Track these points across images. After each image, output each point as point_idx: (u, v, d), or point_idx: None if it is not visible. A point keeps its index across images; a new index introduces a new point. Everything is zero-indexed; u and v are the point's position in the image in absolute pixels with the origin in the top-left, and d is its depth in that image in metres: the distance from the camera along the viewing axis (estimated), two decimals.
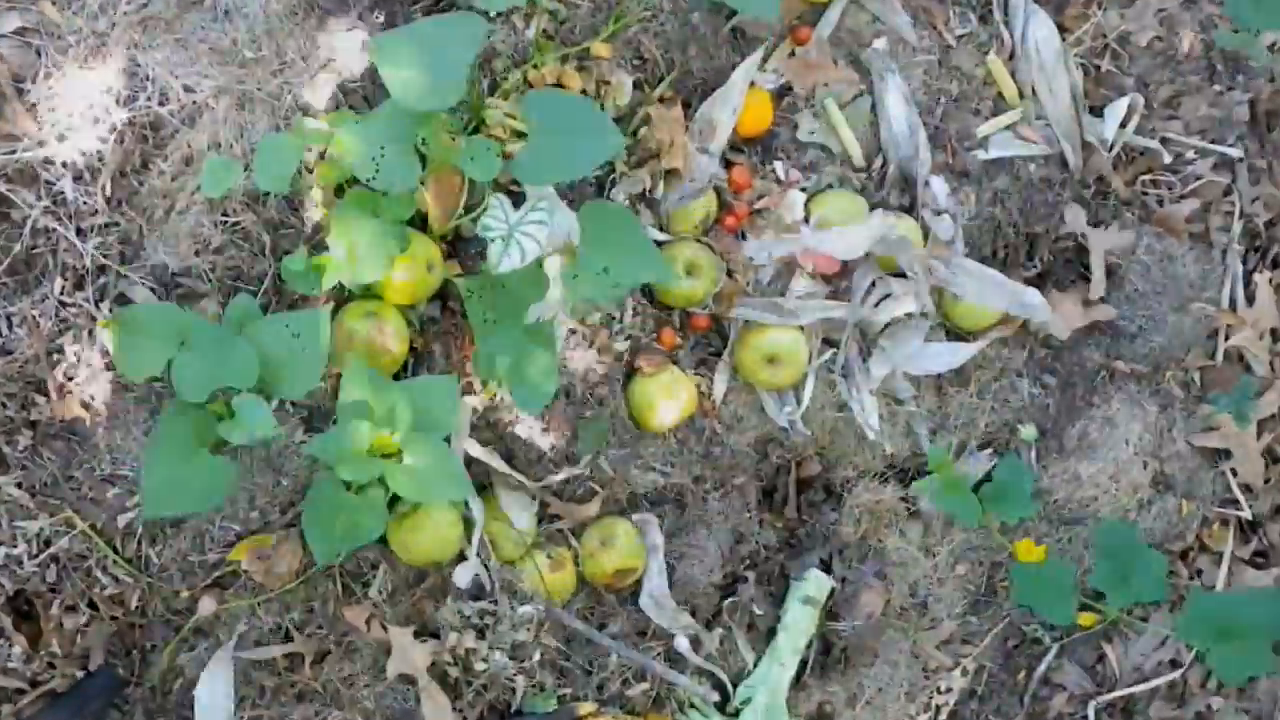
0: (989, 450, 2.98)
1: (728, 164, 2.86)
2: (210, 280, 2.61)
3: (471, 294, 2.57)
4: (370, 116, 2.53)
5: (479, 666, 2.70)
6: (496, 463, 2.67)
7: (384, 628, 2.65)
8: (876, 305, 2.79)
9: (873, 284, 2.81)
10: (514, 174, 2.56)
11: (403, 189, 2.50)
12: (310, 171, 2.59)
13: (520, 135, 2.61)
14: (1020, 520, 2.94)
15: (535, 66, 2.67)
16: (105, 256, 2.59)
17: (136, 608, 2.66)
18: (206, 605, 2.66)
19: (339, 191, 2.61)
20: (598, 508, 2.77)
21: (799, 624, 2.87)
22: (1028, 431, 2.98)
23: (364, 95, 2.65)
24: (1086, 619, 3.00)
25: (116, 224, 2.60)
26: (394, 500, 2.59)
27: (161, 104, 2.58)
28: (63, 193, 2.56)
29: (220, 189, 2.49)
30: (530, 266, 2.52)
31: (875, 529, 2.93)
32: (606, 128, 2.55)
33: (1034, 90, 3.02)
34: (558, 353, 2.65)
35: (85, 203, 2.57)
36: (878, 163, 2.92)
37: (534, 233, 2.52)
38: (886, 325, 2.87)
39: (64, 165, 2.56)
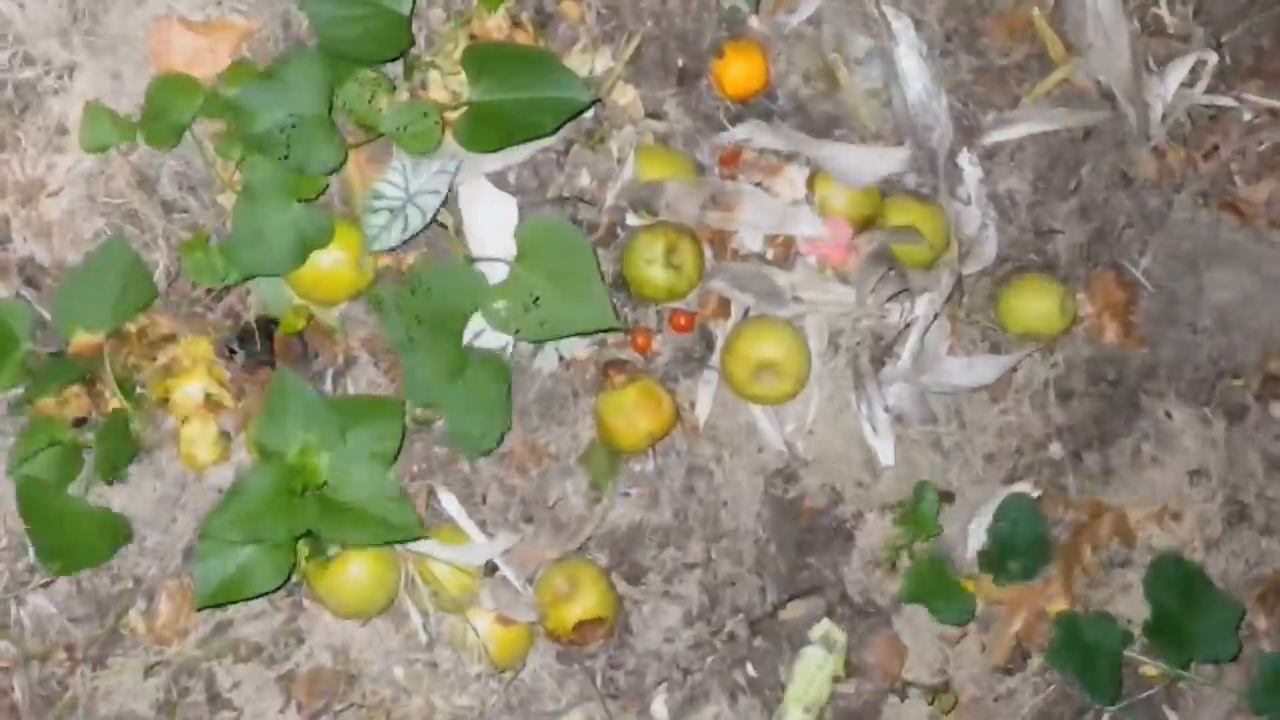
0: (1021, 482, 2.71)
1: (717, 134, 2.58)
2: None
3: (384, 302, 2.27)
4: (277, 70, 2.23)
5: None
6: (446, 497, 2.40)
7: None
8: (888, 303, 2.53)
9: (887, 275, 2.51)
10: (456, 139, 2.29)
11: (320, 171, 2.22)
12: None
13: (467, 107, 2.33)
14: (1031, 577, 2.67)
15: (480, 17, 2.38)
16: None
17: None
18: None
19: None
20: (561, 548, 2.48)
21: (808, 687, 2.59)
22: (1056, 450, 2.73)
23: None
24: (1148, 671, 2.72)
25: None
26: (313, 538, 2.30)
27: (26, 65, 2.30)
28: None
29: (100, 140, 2.24)
30: (463, 268, 2.25)
31: (889, 574, 2.66)
32: (570, 83, 2.28)
33: (1086, 44, 2.72)
34: (510, 374, 2.37)
35: None
36: (891, 136, 2.62)
37: (426, 204, 2.26)
38: (905, 329, 2.57)
39: None
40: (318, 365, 2.38)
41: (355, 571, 2.31)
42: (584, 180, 2.44)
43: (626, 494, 2.50)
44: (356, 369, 2.39)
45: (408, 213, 2.23)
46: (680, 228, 2.45)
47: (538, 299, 2.28)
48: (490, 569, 2.41)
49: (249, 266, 2.24)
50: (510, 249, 2.30)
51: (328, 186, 2.28)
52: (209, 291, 2.30)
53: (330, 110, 2.23)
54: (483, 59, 2.29)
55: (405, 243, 2.25)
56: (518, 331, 2.29)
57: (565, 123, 2.36)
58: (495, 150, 2.34)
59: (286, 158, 2.20)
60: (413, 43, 2.29)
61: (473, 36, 2.36)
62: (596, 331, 2.37)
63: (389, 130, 2.26)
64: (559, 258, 2.31)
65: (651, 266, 2.43)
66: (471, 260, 2.30)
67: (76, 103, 2.29)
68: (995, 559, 2.63)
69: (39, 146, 2.30)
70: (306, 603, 2.37)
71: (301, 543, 2.25)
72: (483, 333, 2.35)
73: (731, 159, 2.53)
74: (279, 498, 2.17)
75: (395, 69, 2.32)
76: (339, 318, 2.38)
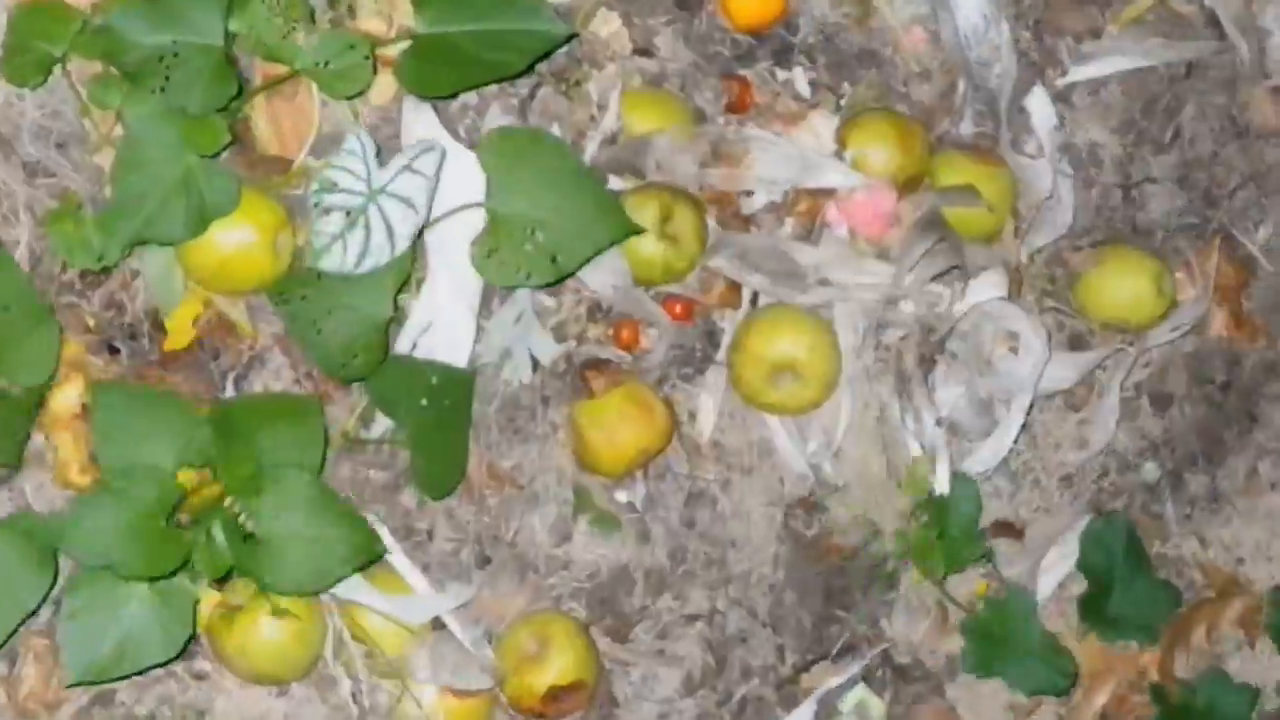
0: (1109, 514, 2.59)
1: (723, 74, 2.45)
2: None
3: (288, 303, 2.14)
4: None
5: None
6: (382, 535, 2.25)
7: None
8: (938, 284, 2.42)
9: (936, 249, 2.40)
10: (399, 79, 2.16)
11: (202, 109, 2.04)
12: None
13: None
14: (1149, 640, 2.54)
15: None
16: None
17: None
18: None
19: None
20: (527, 597, 2.33)
21: None
22: (1151, 471, 2.62)
23: None
24: None
25: None
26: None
27: None
28: None
29: None
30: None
31: (941, 628, 2.53)
32: (540, 11, 2.16)
33: None
34: (470, 393, 2.25)
35: None
36: (940, 75, 2.53)
37: (394, 213, 2.08)
38: (959, 318, 2.45)
39: None
40: (219, 367, 2.21)
41: (269, 626, 2.15)
42: (555, 132, 2.31)
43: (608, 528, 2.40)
44: (265, 373, 2.24)
45: (371, 223, 2.09)
46: (676, 190, 2.32)
47: (533, 230, 2.16)
48: (438, 624, 2.28)
49: (129, 233, 2.07)
50: (476, 192, 2.19)
51: (232, 140, 2.13)
52: (83, 275, 2.17)
53: (229, 38, 2.07)
54: None
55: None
56: (529, 277, 2.18)
57: (536, 62, 2.24)
58: (446, 96, 2.21)
59: (164, 90, 2.03)
60: None
61: None
62: (619, 239, 2.26)
63: (304, 67, 2.08)
64: (541, 173, 2.18)
65: (641, 239, 2.29)
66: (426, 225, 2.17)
67: None
68: (1096, 608, 2.52)
69: None
70: (208, 665, 2.21)
71: (201, 589, 2.09)
72: (429, 328, 2.19)
73: (740, 103, 2.41)
74: (145, 528, 1.99)
75: None
76: (246, 309, 2.23)
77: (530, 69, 2.24)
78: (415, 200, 2.07)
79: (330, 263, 2.06)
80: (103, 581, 2.03)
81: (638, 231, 2.25)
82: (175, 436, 2.04)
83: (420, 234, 2.11)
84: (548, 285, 2.27)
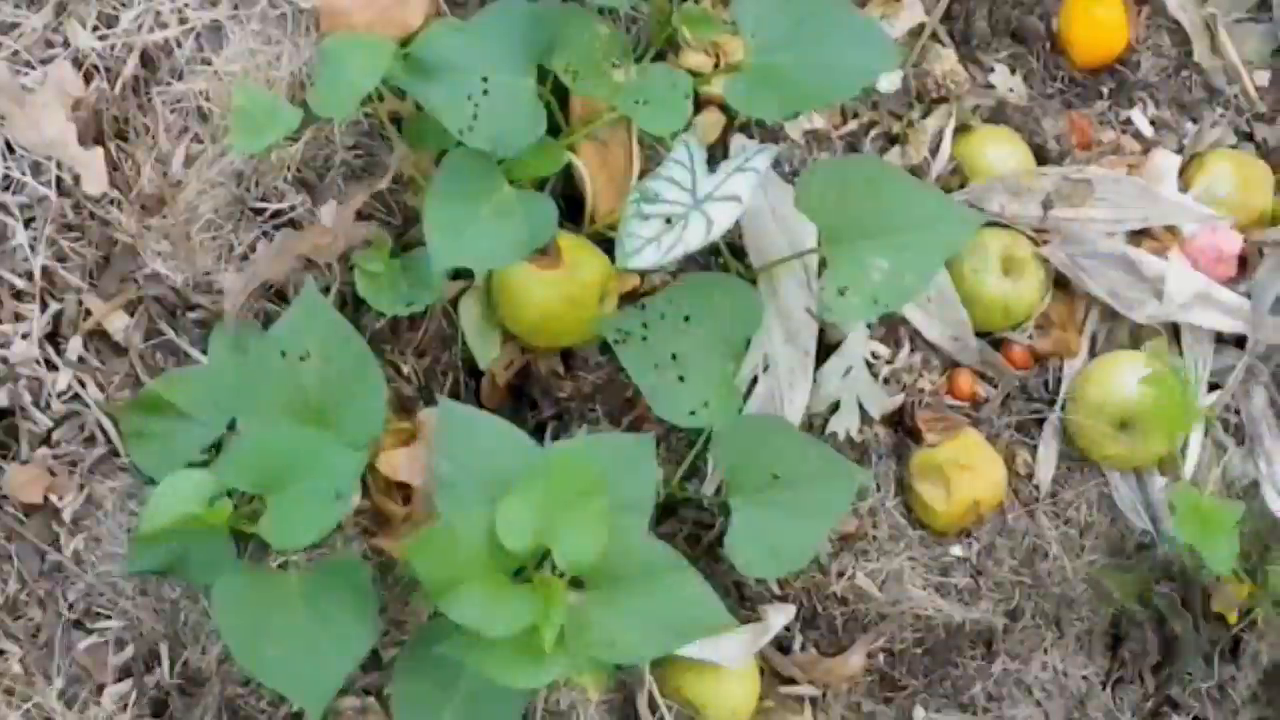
0: None
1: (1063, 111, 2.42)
2: None
3: (626, 343, 2.08)
4: (477, 23, 2.07)
5: None
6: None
7: None
8: None
9: None
10: (730, 101, 2.07)
11: (511, 147, 2.03)
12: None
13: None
14: None
15: None
16: (66, 270, 2.08)
17: None
18: None
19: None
20: (860, 662, 2.24)
21: None
22: None
23: None
24: None
25: (90, 223, 2.09)
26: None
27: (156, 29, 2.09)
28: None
29: (259, 141, 2.00)
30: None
31: None
32: (875, 40, 2.09)
33: None
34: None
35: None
36: None
37: (717, 211, 2.02)
38: None
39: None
40: (535, 417, 2.21)
41: None
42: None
43: (942, 585, 2.32)
44: (583, 426, 2.22)
45: (689, 222, 2.00)
46: (1016, 231, 2.30)
47: (876, 257, 2.09)
48: None
49: (441, 257, 2.06)
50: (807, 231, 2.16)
51: (553, 176, 2.12)
52: (396, 323, 2.17)
53: (542, 75, 2.07)
54: (759, 10, 2.11)
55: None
56: (885, 305, 2.09)
57: (864, 90, 2.23)
58: (771, 122, 2.20)
59: (472, 128, 2.02)
60: None
61: None
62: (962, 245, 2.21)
63: (623, 104, 2.06)
64: (874, 197, 2.11)
65: (982, 276, 2.26)
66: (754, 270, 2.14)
67: (222, 79, 2.12)
68: None
69: (172, 134, 2.09)
70: None
71: None
72: (765, 367, 2.12)
73: (1081, 142, 2.37)
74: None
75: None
76: (560, 359, 2.23)
77: (859, 97, 2.22)
78: (740, 194, 2.02)
79: (640, 261, 2.02)
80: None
81: (975, 224, 2.18)
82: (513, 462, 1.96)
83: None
84: (901, 305, 2.18)
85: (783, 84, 2.07)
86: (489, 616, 1.85)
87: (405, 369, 2.15)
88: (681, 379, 2.05)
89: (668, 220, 2.02)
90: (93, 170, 2.05)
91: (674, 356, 2.06)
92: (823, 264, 2.09)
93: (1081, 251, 2.29)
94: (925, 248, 2.10)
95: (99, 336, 2.07)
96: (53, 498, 2.04)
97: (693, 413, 2.05)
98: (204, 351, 2.08)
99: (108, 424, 2.04)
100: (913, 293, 2.13)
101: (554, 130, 2.09)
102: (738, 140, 2.16)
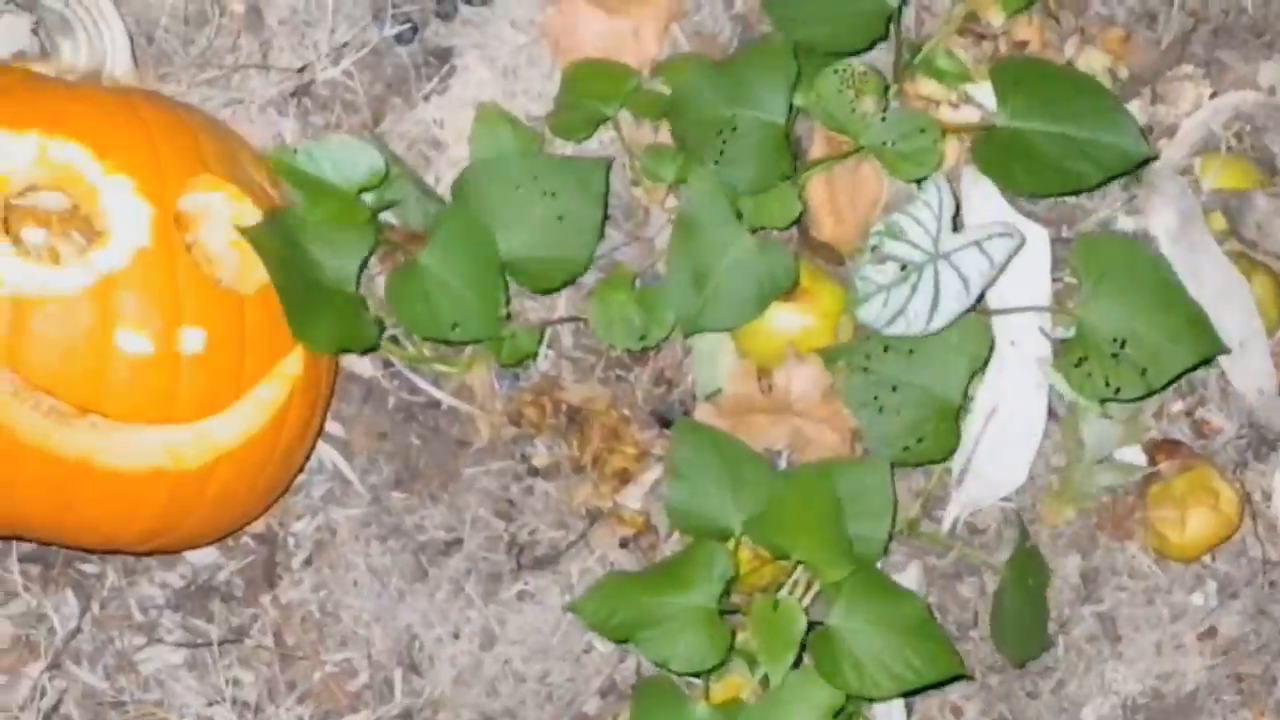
0: None
1: None
2: None
3: (850, 373, 2.07)
4: (733, 61, 2.06)
5: None
6: None
7: None
8: None
9: None
10: (979, 164, 2.08)
11: (755, 185, 2.02)
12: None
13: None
14: None
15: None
16: None
17: None
18: None
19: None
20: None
21: None
22: None
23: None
24: None
25: None
26: None
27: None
28: None
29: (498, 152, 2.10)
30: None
31: None
32: (1127, 128, 2.08)
33: None
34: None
35: None
36: None
37: (946, 285, 2.00)
38: None
39: None
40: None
41: None
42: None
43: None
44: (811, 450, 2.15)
45: (936, 278, 2.00)
46: (1269, 266, 2.26)
47: (1123, 342, 2.05)
48: None
49: (683, 314, 2.07)
50: (1043, 294, 2.11)
51: (800, 216, 2.08)
52: (631, 352, 2.15)
53: (791, 113, 2.04)
54: (1017, 76, 2.10)
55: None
56: (1118, 391, 2.07)
57: (1111, 179, 2.16)
58: (1018, 192, 2.14)
59: (718, 163, 2.01)
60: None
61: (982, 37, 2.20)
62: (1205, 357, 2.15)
63: (870, 143, 2.03)
64: (1135, 284, 2.08)
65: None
66: (988, 313, 2.09)
67: (457, 105, 2.14)
68: None
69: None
70: None
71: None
72: (994, 413, 2.11)
73: None
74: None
75: (885, 60, 2.13)
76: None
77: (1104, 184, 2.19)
78: (971, 281, 1.99)
79: (865, 314, 1.99)
80: None
81: (1224, 351, 2.16)
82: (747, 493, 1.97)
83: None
84: (1130, 400, 2.15)
85: (1029, 155, 2.06)
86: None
87: (639, 396, 2.13)
88: (899, 412, 2.03)
89: (903, 267, 1.98)
90: None
91: (894, 389, 2.04)
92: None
93: None
94: (1169, 355, 2.08)
95: None
96: None
97: (906, 448, 2.03)
98: None
99: None
100: (1148, 389, 2.10)
101: None
102: (969, 177, 2.12)
